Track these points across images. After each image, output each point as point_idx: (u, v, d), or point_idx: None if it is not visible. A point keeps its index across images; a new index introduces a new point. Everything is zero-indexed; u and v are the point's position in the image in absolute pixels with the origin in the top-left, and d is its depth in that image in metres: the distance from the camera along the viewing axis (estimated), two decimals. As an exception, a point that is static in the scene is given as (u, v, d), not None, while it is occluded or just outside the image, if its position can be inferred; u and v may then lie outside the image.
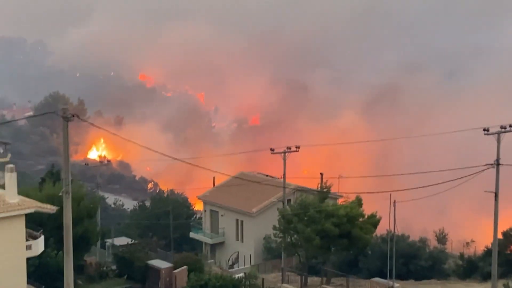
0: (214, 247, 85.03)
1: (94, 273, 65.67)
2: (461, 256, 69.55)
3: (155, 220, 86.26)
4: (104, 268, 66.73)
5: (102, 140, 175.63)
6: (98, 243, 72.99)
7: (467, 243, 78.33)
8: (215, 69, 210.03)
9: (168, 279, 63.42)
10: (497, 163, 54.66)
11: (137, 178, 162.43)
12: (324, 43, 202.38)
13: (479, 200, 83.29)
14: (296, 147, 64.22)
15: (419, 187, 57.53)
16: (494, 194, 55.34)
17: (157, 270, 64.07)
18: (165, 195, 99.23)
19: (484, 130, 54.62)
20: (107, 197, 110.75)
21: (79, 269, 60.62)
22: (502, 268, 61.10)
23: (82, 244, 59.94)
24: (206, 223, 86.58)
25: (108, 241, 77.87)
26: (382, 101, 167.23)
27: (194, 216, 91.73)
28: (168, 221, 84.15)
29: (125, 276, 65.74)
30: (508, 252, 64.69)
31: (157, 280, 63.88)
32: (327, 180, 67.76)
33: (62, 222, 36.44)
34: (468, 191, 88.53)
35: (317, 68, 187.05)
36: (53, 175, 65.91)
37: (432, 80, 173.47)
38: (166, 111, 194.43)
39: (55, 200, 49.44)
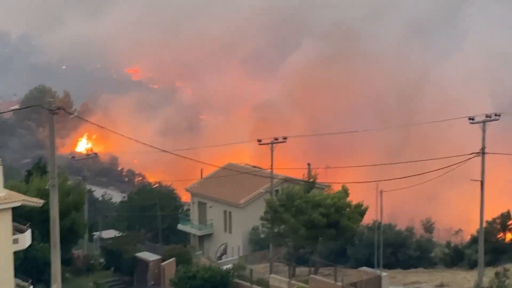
0: (202, 238, 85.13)
1: (81, 266, 65.71)
2: (448, 244, 69.93)
3: (142, 213, 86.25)
4: (92, 261, 66.77)
5: (87, 133, 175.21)
6: (86, 236, 72.92)
7: (456, 232, 78.72)
8: (205, 61, 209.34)
9: (156, 271, 63.50)
10: (483, 152, 55.04)
11: (125, 171, 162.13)
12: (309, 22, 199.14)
13: (465, 189, 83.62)
14: (284, 138, 64.31)
15: (405, 177, 57.89)
16: (480, 183, 55.76)
17: (145, 263, 64.12)
18: (152, 187, 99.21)
19: (470, 119, 54.99)
20: (95, 190, 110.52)
21: (66, 262, 60.55)
22: (489, 256, 61.48)
23: (69, 237, 59.93)
24: (194, 215, 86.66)
25: (96, 234, 77.80)
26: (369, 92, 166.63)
27: (182, 208, 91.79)
28: (155, 213, 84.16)
29: (113, 269, 65.77)
30: (494, 240, 65.09)
31: (145, 273, 63.93)
32: (316, 172, 68.04)
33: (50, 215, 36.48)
34: (455, 180, 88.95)
35: (308, 52, 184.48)
36: (40, 169, 65.80)
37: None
38: (153, 104, 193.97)
39: (44, 193, 49.41)
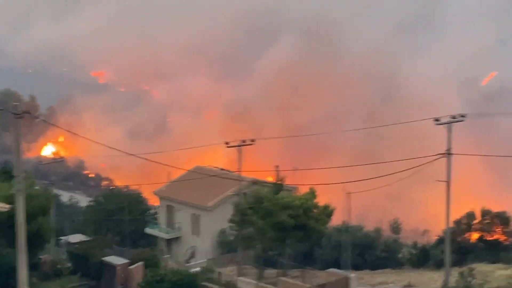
0: (170, 242, 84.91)
1: (48, 270, 65.28)
2: (415, 245, 70.46)
3: (109, 217, 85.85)
4: (59, 266, 66.35)
5: (54, 138, 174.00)
6: (53, 241, 72.46)
7: (423, 232, 79.40)
8: (175, 63, 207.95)
9: (123, 275, 63.21)
10: (449, 153, 55.47)
11: (92, 174, 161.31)
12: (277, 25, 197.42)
13: (433, 189, 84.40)
14: (252, 140, 64.32)
15: (372, 178, 58.10)
16: (446, 183, 56.17)
17: (112, 267, 63.81)
18: (120, 191, 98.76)
19: (435, 120, 55.38)
20: (61, 195, 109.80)
21: (33, 267, 60.08)
22: (455, 256, 62.01)
23: (36, 242, 59.45)
24: (162, 218, 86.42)
25: (63, 239, 77.32)
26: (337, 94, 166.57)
27: (149, 212, 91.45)
28: (123, 217, 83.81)
29: (80, 274, 65.41)
30: (460, 239, 65.67)
31: (112, 277, 63.62)
32: (284, 174, 68.13)
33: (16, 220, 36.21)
34: (423, 180, 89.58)
35: (286, 51, 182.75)
36: (6, 173, 65.23)
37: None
38: (121, 107, 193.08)
39: (10, 198, 48.97)
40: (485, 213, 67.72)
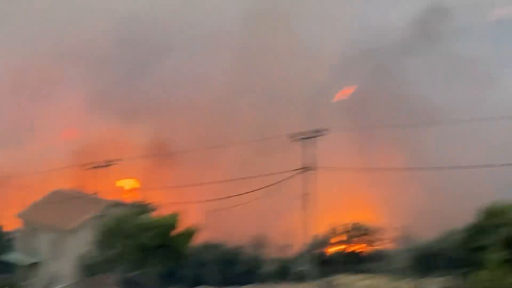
0: (30, 268, 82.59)
1: None
2: (277, 259, 71.09)
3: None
4: None
5: None
6: None
7: (284, 246, 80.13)
8: (31, 85, 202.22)
9: (-21, 305, 61.06)
10: (306, 168, 56.52)
11: None
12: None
13: (294, 204, 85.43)
14: (110, 162, 63.75)
15: (232, 196, 58.39)
16: (303, 197, 57.15)
17: (-33, 297, 61.52)
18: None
19: (291, 136, 56.40)
20: None
21: None
22: (316, 269, 62.97)
23: None
24: (20, 244, 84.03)
25: None
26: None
27: (7, 237, 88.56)
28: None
29: None
30: (321, 252, 66.73)
31: (-33, 308, 61.36)
32: (146, 195, 67.65)
33: None
34: (285, 195, 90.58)
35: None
36: None
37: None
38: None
39: None
40: (346, 225, 69.13)
